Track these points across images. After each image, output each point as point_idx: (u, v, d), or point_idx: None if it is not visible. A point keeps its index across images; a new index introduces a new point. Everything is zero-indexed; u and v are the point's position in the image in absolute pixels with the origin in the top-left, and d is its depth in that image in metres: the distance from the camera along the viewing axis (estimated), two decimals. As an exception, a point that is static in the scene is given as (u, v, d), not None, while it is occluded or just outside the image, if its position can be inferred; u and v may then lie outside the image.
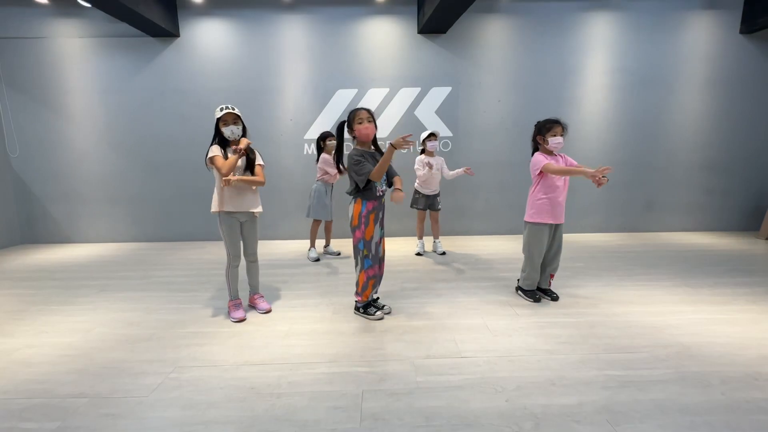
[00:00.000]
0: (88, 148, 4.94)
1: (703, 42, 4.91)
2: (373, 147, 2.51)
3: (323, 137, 4.02)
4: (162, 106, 4.85)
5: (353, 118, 2.41)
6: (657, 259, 3.98)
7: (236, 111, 2.47)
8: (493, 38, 4.85)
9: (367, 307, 2.61)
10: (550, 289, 2.92)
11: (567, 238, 4.83)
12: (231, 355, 2.16)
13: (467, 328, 2.43)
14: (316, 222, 4.14)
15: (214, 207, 2.56)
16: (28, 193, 5.01)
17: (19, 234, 5.07)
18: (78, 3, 4.31)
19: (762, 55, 4.91)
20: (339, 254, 4.27)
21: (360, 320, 2.57)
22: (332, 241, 4.45)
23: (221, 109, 2.44)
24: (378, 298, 2.73)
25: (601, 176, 2.39)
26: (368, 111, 2.42)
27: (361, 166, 2.36)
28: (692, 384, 1.81)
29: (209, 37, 4.74)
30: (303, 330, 2.45)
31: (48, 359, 2.16)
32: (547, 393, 1.76)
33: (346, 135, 2.52)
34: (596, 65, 4.93)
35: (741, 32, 4.88)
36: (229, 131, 2.45)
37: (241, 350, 2.21)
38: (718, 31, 4.89)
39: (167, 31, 4.52)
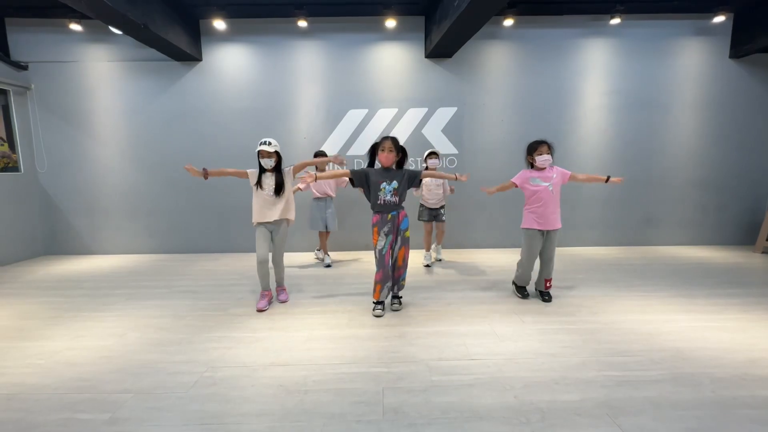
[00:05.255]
0: (111, 164, 5.20)
1: (695, 66, 5.19)
2: (395, 167, 2.93)
3: (315, 156, 4.39)
4: (183, 125, 5.13)
5: (378, 144, 2.87)
6: (654, 271, 4.15)
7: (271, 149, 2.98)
8: (496, 62, 5.15)
9: (377, 304, 3.01)
10: (546, 292, 3.24)
11: (568, 251, 5.10)
12: (257, 357, 2.34)
13: (476, 333, 2.61)
14: (320, 232, 4.55)
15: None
16: (52, 207, 5.25)
17: (41, 245, 5.29)
18: (110, 30, 4.63)
19: (750, 78, 5.18)
20: (329, 266, 4.50)
21: (375, 326, 2.76)
22: (360, 253, 4.99)
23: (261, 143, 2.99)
24: (383, 301, 3.03)
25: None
26: (392, 142, 2.84)
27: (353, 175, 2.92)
28: (684, 383, 1.98)
29: (229, 61, 5.05)
30: (322, 335, 2.63)
31: (89, 360, 2.34)
32: (552, 391, 1.93)
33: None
34: (594, 87, 5.20)
35: (730, 57, 5.16)
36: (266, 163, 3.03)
37: (266, 353, 2.39)
38: (709, 56, 5.18)
39: (191, 56, 4.83)
